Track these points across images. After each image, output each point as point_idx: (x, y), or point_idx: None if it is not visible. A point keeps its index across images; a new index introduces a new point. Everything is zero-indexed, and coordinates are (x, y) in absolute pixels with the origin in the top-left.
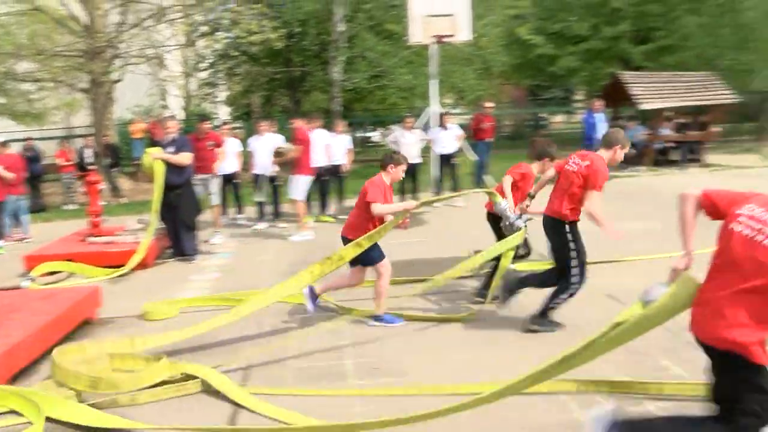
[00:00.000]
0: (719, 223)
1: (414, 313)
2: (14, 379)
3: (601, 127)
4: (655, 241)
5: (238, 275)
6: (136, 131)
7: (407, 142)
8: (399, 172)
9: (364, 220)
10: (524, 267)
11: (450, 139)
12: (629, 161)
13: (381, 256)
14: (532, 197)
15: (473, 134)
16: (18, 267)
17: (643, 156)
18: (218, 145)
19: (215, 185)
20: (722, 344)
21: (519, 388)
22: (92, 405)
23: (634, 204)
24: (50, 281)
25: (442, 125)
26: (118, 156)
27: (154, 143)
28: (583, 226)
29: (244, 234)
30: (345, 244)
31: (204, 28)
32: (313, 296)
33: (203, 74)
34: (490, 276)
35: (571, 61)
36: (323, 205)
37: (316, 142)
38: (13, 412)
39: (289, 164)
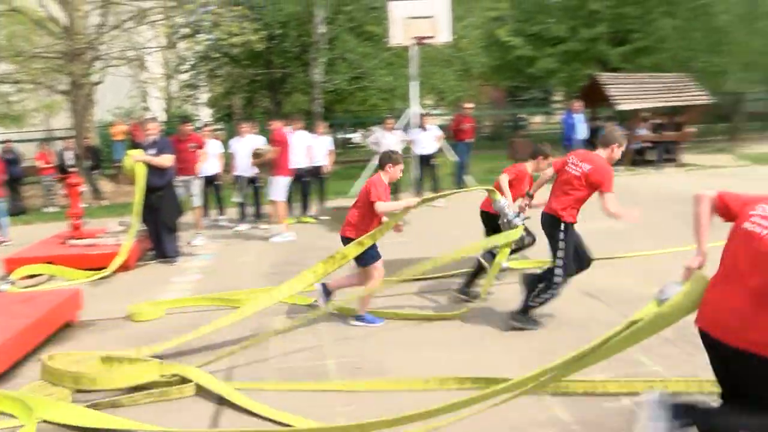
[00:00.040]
0: (718, 221)
1: (401, 312)
2: None
3: (581, 128)
4: (634, 240)
5: (220, 277)
6: (117, 133)
7: (388, 143)
8: (397, 171)
9: (366, 219)
10: (516, 265)
11: (429, 140)
12: None
13: (376, 258)
14: (531, 196)
15: (453, 135)
16: None
17: (621, 156)
18: (200, 146)
19: (197, 187)
20: (741, 343)
21: (534, 386)
22: (90, 406)
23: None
24: (30, 284)
25: (422, 126)
26: (99, 158)
27: (135, 145)
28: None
29: (226, 235)
30: (345, 244)
31: (185, 30)
32: (327, 292)
33: (184, 76)
34: (472, 275)
35: (549, 63)
36: (304, 206)
37: (296, 144)
38: (2, 413)
39: (267, 165)
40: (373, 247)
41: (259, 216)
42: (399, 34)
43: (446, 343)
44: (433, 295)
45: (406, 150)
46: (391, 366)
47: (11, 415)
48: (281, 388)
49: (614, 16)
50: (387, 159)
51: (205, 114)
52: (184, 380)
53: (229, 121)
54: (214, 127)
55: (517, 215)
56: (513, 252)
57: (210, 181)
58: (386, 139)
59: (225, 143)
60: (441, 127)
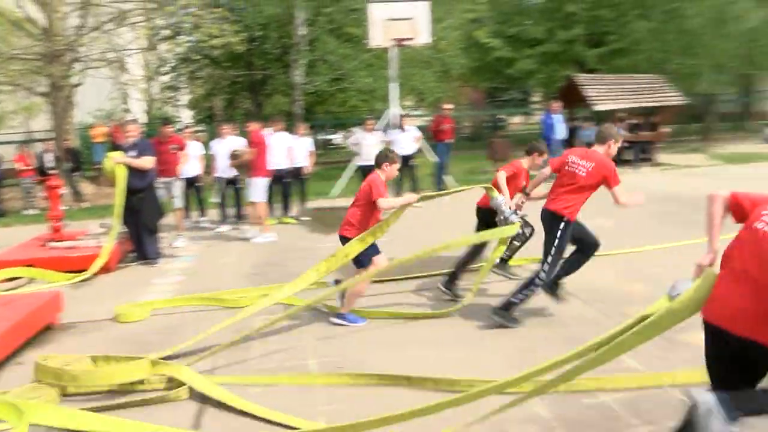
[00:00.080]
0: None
1: (383, 311)
2: None
3: (559, 128)
4: (611, 238)
5: (201, 278)
6: (97, 135)
7: (368, 143)
8: (394, 169)
9: (366, 217)
10: (512, 262)
11: (408, 141)
12: None
13: (371, 259)
14: (528, 195)
15: (433, 136)
16: None
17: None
18: (181, 148)
19: (178, 188)
20: (756, 336)
21: (548, 387)
22: (89, 409)
23: (589, 201)
24: (10, 287)
25: (400, 127)
26: (80, 160)
27: (115, 147)
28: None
29: (207, 237)
30: (344, 244)
31: (165, 32)
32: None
33: (165, 78)
34: (453, 274)
35: (527, 64)
36: (285, 207)
37: (277, 145)
38: None
39: (244, 167)
40: (372, 246)
41: (240, 217)
42: (379, 36)
43: (430, 342)
44: (420, 294)
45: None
46: (373, 365)
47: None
48: (262, 381)
49: (590, 19)
50: (384, 158)
51: (186, 116)
52: (172, 380)
53: (210, 123)
54: (195, 129)
55: (514, 212)
56: (518, 247)
57: (191, 183)
58: (366, 140)
59: (206, 145)
60: (420, 128)
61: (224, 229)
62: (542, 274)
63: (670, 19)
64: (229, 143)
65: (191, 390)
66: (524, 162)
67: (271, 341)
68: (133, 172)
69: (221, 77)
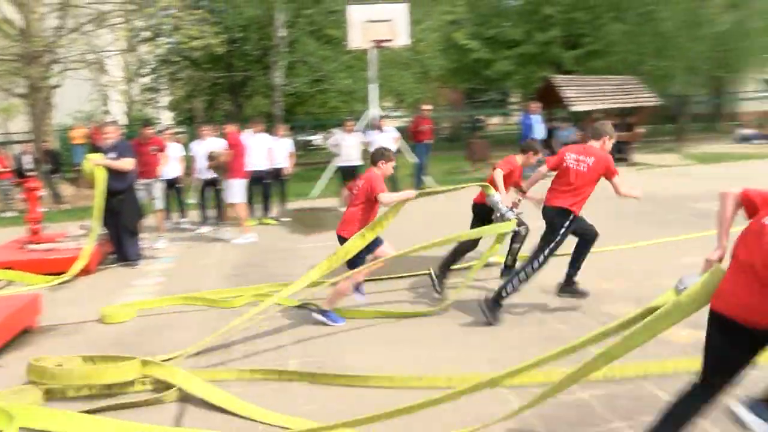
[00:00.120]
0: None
1: (368, 310)
2: None
3: (538, 129)
4: None
5: (182, 279)
6: (76, 137)
7: (348, 144)
8: (389, 167)
9: (366, 214)
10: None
11: (387, 142)
12: None
13: (365, 259)
14: (524, 193)
15: (413, 136)
16: None
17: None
18: (161, 149)
19: (158, 190)
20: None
21: (562, 387)
22: (87, 411)
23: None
24: None
25: (378, 128)
26: (59, 162)
27: (95, 149)
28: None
29: (188, 238)
30: (341, 244)
31: (145, 34)
32: (357, 285)
33: (145, 79)
34: (441, 273)
35: (505, 65)
36: (266, 208)
37: (257, 146)
38: None
39: (221, 168)
40: (368, 248)
41: (220, 219)
42: (358, 38)
43: (412, 341)
44: (406, 293)
45: (367, 151)
46: (354, 365)
47: None
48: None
49: (566, 21)
50: (380, 156)
51: (166, 117)
52: (161, 381)
53: (190, 124)
54: (175, 131)
55: (510, 210)
56: (519, 249)
57: (171, 184)
58: (346, 141)
59: (186, 146)
60: (400, 129)
61: (205, 230)
62: (535, 264)
63: (645, 21)
64: (208, 144)
65: (181, 391)
66: (519, 159)
67: (252, 342)
68: (113, 173)
69: (201, 79)
